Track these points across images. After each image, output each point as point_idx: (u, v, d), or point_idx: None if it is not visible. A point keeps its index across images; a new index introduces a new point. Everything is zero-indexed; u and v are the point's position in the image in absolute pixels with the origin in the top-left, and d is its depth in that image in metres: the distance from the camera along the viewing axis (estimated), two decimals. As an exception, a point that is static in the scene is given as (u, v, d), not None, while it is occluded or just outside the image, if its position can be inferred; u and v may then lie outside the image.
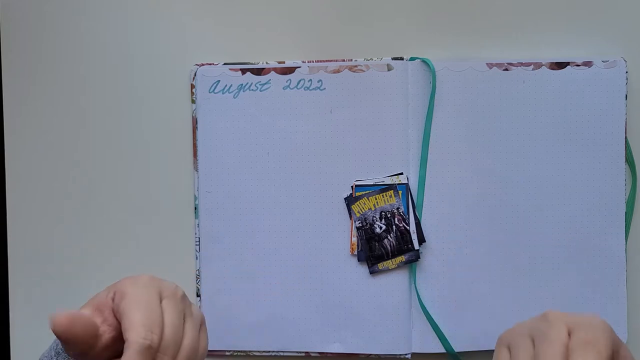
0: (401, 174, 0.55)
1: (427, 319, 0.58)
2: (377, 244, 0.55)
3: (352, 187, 0.55)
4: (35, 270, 0.61)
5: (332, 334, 0.59)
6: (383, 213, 0.55)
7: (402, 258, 0.55)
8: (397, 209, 0.55)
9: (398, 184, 0.55)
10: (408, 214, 0.54)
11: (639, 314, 0.59)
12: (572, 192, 0.58)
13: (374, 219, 0.55)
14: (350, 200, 0.55)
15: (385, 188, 0.54)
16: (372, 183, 0.55)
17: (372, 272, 0.56)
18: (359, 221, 0.55)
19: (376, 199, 0.55)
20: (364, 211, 0.55)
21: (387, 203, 0.55)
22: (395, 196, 0.54)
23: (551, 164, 0.58)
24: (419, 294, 0.58)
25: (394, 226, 0.55)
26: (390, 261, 0.56)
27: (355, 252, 0.56)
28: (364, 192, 0.55)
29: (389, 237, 0.55)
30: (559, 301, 0.58)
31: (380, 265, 0.56)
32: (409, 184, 0.57)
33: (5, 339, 0.62)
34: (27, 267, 0.61)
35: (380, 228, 0.55)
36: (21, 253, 0.61)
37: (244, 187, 0.59)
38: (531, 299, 0.58)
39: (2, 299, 0.62)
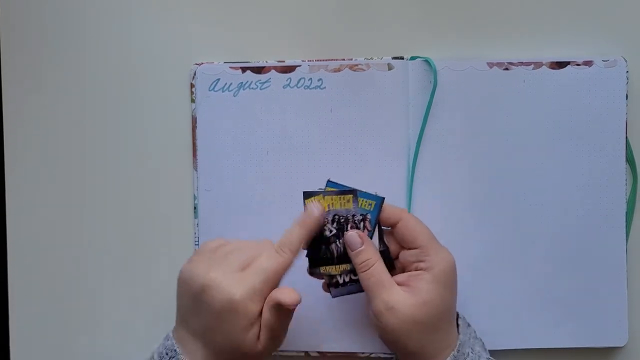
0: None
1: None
2: (323, 247, 0.53)
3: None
4: (35, 269, 0.61)
5: (331, 333, 0.59)
6: (336, 217, 0.52)
7: (346, 266, 0.53)
8: (353, 215, 0.52)
9: (364, 193, 0.52)
10: (373, 226, 0.52)
11: (639, 314, 0.59)
12: (572, 192, 0.58)
13: (326, 220, 0.52)
14: (305, 195, 0.52)
15: (345, 191, 0.52)
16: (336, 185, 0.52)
17: (312, 274, 0.54)
18: None
19: (332, 200, 0.52)
20: None
21: (342, 207, 0.52)
22: (353, 202, 0.52)
23: (551, 164, 0.58)
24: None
25: (345, 232, 0.52)
26: (333, 267, 0.53)
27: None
28: (319, 190, 0.52)
29: (337, 243, 0.52)
30: (558, 301, 0.58)
31: (323, 269, 0.53)
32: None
33: (5, 339, 0.61)
34: (26, 266, 0.61)
35: (330, 232, 0.52)
36: (20, 252, 0.61)
37: (244, 186, 0.59)
38: (530, 299, 0.58)
39: (1, 299, 0.62)
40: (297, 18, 0.60)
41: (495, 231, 0.58)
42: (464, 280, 0.57)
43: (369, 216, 0.52)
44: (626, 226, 0.58)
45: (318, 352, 0.59)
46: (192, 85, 0.59)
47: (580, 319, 0.58)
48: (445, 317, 0.51)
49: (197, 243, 0.59)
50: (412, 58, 0.59)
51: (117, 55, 0.61)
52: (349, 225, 0.52)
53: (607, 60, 0.58)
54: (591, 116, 0.58)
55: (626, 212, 0.58)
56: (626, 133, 0.58)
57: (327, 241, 0.52)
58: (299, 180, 0.59)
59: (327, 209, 0.52)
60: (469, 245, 0.58)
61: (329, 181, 0.53)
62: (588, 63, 0.58)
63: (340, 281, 0.53)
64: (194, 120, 0.59)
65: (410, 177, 0.58)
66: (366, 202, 0.52)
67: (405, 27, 0.60)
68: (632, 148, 0.59)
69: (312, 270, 0.53)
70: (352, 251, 0.52)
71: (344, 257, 0.52)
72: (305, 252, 0.53)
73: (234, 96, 0.59)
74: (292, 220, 0.58)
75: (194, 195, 0.60)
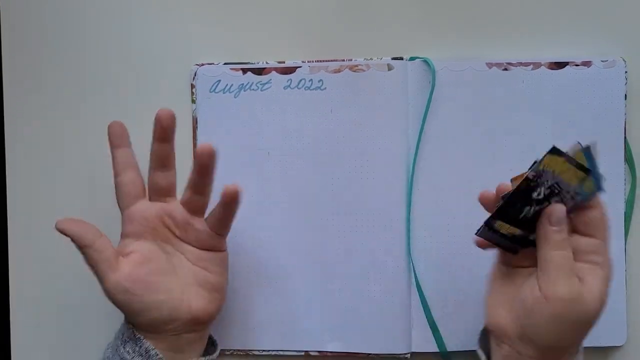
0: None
1: (427, 318, 0.58)
2: (519, 205, 0.47)
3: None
4: (36, 269, 0.61)
5: (332, 333, 0.59)
6: (556, 185, 0.46)
7: (515, 230, 0.48)
8: (567, 192, 0.46)
9: (598, 179, 0.46)
10: (570, 209, 0.47)
11: (638, 314, 0.59)
12: (571, 192, 0.58)
13: (544, 183, 0.46)
14: (551, 150, 0.46)
15: (581, 167, 0.45)
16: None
17: (487, 224, 0.48)
18: (534, 172, 0.46)
19: (564, 167, 0.46)
20: (547, 169, 0.46)
21: (567, 181, 0.46)
22: (581, 181, 0.45)
23: (551, 164, 0.58)
24: (420, 293, 0.58)
25: (546, 204, 0.47)
26: (508, 226, 0.48)
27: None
28: (563, 156, 0.45)
29: (533, 207, 0.47)
30: (558, 301, 0.58)
31: (497, 224, 0.48)
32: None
33: (6, 338, 0.62)
34: (27, 266, 0.61)
35: (538, 195, 0.47)
36: (21, 252, 0.61)
37: (245, 187, 0.59)
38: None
39: (2, 299, 0.62)
40: (297, 18, 0.60)
41: (495, 231, 0.58)
42: (464, 280, 0.58)
43: (579, 199, 0.47)
44: (625, 226, 0.59)
45: (318, 352, 0.59)
46: (192, 86, 0.59)
47: (579, 319, 0.58)
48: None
49: (197, 243, 0.59)
50: (412, 58, 0.59)
51: (117, 55, 0.61)
52: (556, 199, 0.47)
53: (606, 61, 0.58)
54: (590, 116, 0.58)
55: (625, 212, 0.59)
56: (625, 133, 0.58)
57: (527, 201, 0.47)
58: (300, 181, 0.59)
59: (554, 173, 0.46)
60: (469, 245, 0.58)
61: (584, 149, 0.46)
62: (587, 63, 0.58)
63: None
64: (195, 121, 0.59)
65: (410, 177, 0.58)
66: (590, 187, 0.46)
67: (405, 27, 0.60)
68: (631, 148, 0.59)
69: (490, 222, 0.48)
70: (553, 226, 0.46)
71: (525, 222, 0.48)
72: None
73: (235, 97, 0.59)
74: (291, 221, 0.59)
75: (195, 195, 0.60)
